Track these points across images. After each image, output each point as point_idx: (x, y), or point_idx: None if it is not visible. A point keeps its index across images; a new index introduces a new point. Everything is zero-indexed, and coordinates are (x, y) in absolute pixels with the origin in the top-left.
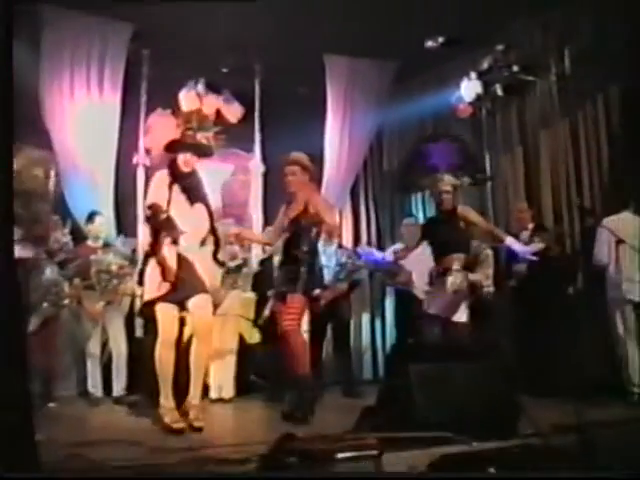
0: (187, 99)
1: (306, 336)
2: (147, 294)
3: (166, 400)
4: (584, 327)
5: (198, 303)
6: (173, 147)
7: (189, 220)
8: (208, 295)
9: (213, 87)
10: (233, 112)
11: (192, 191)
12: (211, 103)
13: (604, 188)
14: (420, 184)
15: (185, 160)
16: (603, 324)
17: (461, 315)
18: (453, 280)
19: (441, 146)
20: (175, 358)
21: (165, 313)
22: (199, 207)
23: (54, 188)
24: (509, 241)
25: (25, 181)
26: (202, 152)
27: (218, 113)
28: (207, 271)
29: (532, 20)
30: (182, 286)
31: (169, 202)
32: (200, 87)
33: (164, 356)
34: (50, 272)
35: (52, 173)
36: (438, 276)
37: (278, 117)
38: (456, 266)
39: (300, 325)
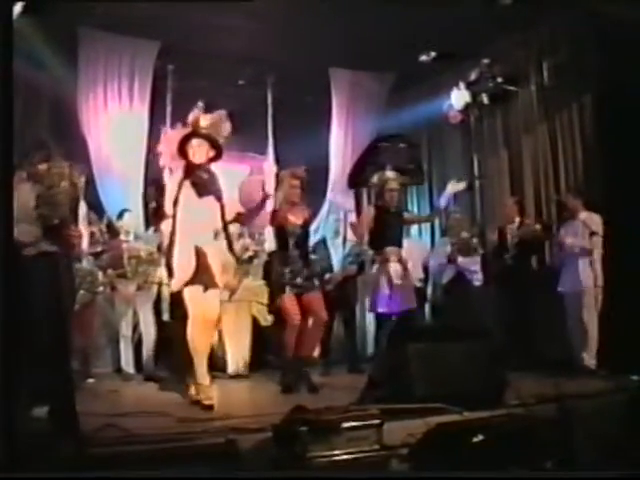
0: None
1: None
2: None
3: (203, 378)
4: (563, 309)
5: (207, 296)
6: (185, 140)
7: (199, 213)
8: (217, 290)
9: (211, 107)
10: (224, 128)
11: (203, 185)
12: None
13: (578, 185)
14: (369, 181)
15: (195, 151)
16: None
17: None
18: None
19: (391, 146)
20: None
21: (193, 295)
22: (209, 200)
23: (81, 193)
24: None
25: (53, 187)
26: (213, 141)
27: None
28: (220, 264)
29: (514, 37)
30: (200, 275)
31: (177, 198)
32: (200, 106)
33: (198, 334)
34: (85, 263)
35: (80, 180)
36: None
37: (289, 123)
38: (394, 259)
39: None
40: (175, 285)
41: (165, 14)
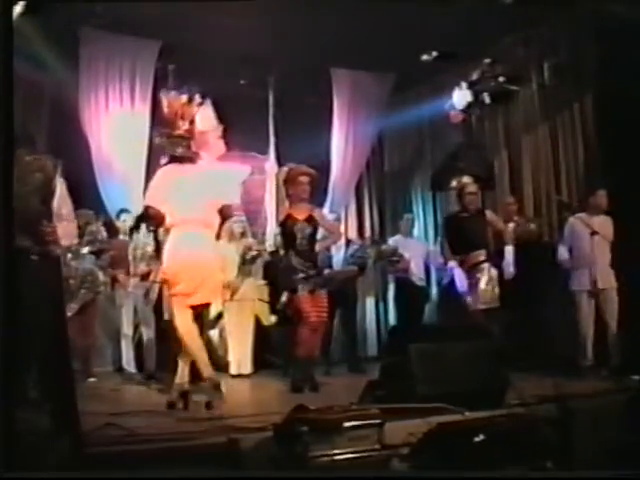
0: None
1: None
2: None
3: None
4: (561, 310)
5: None
6: None
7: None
8: None
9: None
10: (206, 118)
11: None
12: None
13: (579, 185)
14: (449, 184)
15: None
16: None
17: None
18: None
19: (470, 152)
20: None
21: None
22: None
23: (58, 187)
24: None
25: (25, 184)
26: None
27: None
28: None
29: (516, 37)
30: None
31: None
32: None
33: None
34: (87, 262)
35: (55, 176)
36: (469, 271)
37: (290, 124)
38: (484, 261)
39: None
40: None
41: (166, 14)
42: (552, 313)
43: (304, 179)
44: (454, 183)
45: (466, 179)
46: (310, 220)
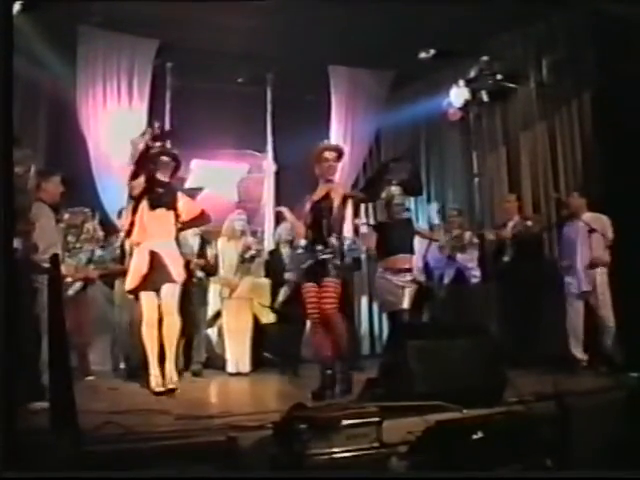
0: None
1: None
2: (130, 283)
3: (153, 369)
4: (560, 308)
5: (166, 291)
6: (155, 155)
7: (159, 222)
8: (175, 284)
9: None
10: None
11: (157, 199)
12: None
13: (577, 183)
14: (378, 195)
15: (164, 170)
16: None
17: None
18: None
19: (400, 164)
20: (158, 335)
21: (147, 300)
22: (169, 213)
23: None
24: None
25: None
26: (176, 157)
27: None
28: (176, 262)
29: (514, 34)
30: (153, 277)
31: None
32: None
33: (148, 334)
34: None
35: (32, 170)
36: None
37: (288, 121)
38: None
39: (338, 307)
40: (130, 284)
41: (164, 12)
42: (549, 311)
43: (330, 155)
44: (383, 194)
45: (394, 190)
46: (326, 198)
